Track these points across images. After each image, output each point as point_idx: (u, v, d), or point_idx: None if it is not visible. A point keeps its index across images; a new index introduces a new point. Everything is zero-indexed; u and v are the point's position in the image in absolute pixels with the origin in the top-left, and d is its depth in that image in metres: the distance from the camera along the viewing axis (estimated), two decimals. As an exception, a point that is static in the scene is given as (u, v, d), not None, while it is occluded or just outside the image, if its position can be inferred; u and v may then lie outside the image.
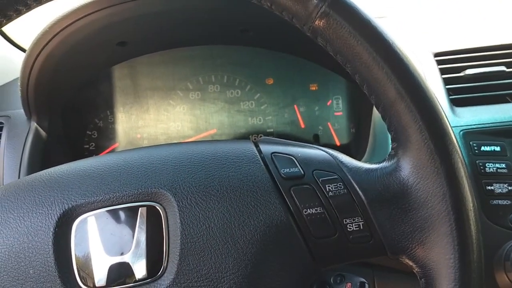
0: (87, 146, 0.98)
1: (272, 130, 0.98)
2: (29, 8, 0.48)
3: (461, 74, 0.79)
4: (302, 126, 0.98)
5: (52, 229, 0.45)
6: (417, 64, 0.80)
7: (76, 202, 0.46)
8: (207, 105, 0.99)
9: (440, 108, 0.43)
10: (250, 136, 0.98)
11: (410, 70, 0.43)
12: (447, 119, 0.44)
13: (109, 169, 0.48)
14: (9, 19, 0.48)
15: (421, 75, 0.43)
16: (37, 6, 0.48)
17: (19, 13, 0.48)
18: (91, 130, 0.98)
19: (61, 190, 0.47)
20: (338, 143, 0.97)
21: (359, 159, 0.83)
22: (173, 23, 0.86)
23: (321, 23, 0.43)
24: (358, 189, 0.46)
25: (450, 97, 0.76)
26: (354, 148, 0.95)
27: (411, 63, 0.43)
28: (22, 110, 0.86)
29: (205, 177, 0.47)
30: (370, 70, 0.43)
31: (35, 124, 0.85)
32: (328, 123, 0.97)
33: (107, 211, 0.45)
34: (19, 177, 0.80)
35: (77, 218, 0.46)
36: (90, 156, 0.96)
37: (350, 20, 0.43)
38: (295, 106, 0.98)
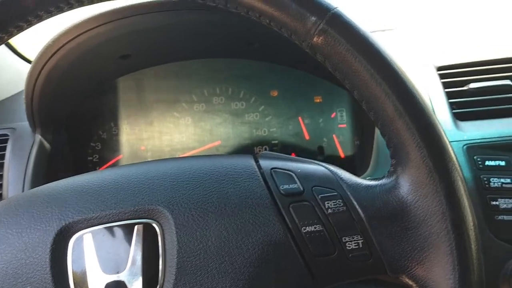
0: (91, 158, 0.98)
1: (276, 142, 0.98)
2: (30, 24, 0.48)
3: (465, 88, 0.78)
4: (307, 138, 0.97)
5: (49, 246, 0.45)
6: (418, 79, 0.80)
7: (73, 218, 0.46)
8: (212, 117, 0.99)
9: (439, 125, 0.43)
10: (255, 148, 0.98)
11: (408, 87, 0.42)
12: (446, 136, 0.43)
13: (106, 185, 0.48)
14: (10, 35, 0.48)
15: (419, 92, 0.43)
16: (39, 22, 0.49)
17: (20, 29, 0.48)
18: (95, 142, 0.98)
19: (58, 206, 0.47)
20: (342, 155, 0.96)
21: (364, 171, 0.83)
22: (177, 37, 0.87)
23: (320, 40, 0.43)
24: (357, 206, 0.45)
25: (454, 111, 0.76)
26: (358, 160, 0.95)
27: (409, 80, 0.43)
28: (27, 123, 0.87)
29: (203, 193, 0.47)
30: (368, 86, 0.43)
31: (40, 136, 0.86)
32: (333, 135, 0.97)
33: (104, 228, 0.45)
34: (23, 190, 0.81)
35: (74, 234, 0.45)
36: (94, 168, 0.97)
37: (348, 37, 0.42)
38: (299, 118, 0.98)
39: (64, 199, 0.47)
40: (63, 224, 0.46)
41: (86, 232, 0.45)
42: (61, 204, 0.47)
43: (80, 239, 0.45)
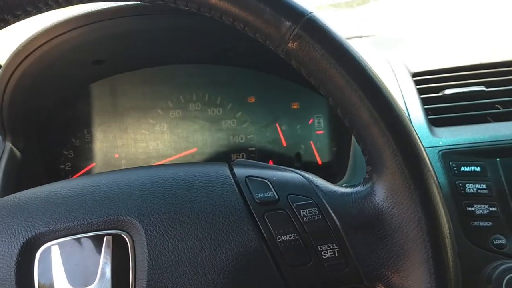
0: (63, 166, 0.95)
1: (254, 148, 0.97)
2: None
3: (440, 94, 0.78)
4: (284, 144, 0.97)
5: (15, 258, 0.43)
6: (394, 85, 0.80)
7: (39, 230, 0.44)
8: (188, 124, 0.97)
9: (414, 131, 0.42)
10: (232, 155, 0.97)
11: (384, 93, 0.42)
12: (422, 143, 0.43)
13: (74, 195, 0.46)
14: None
15: (395, 99, 0.43)
16: (6, 26, 0.47)
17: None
18: (68, 150, 0.96)
19: (25, 217, 0.45)
20: (320, 162, 0.96)
21: (341, 177, 0.83)
22: (151, 42, 0.85)
23: (294, 45, 0.42)
24: (332, 214, 0.45)
25: (429, 117, 0.76)
26: (336, 167, 0.95)
27: (384, 86, 0.42)
28: (-3, 130, 0.84)
29: (175, 203, 0.45)
30: (343, 93, 0.42)
31: (10, 144, 0.83)
32: (310, 142, 0.96)
33: (72, 239, 0.44)
34: None
35: (40, 246, 0.44)
36: (66, 177, 0.94)
37: (323, 43, 0.42)
38: (276, 124, 0.97)
39: (30, 210, 0.46)
40: (30, 235, 0.44)
41: (53, 244, 0.44)
42: (27, 215, 0.45)
43: (47, 251, 0.44)
